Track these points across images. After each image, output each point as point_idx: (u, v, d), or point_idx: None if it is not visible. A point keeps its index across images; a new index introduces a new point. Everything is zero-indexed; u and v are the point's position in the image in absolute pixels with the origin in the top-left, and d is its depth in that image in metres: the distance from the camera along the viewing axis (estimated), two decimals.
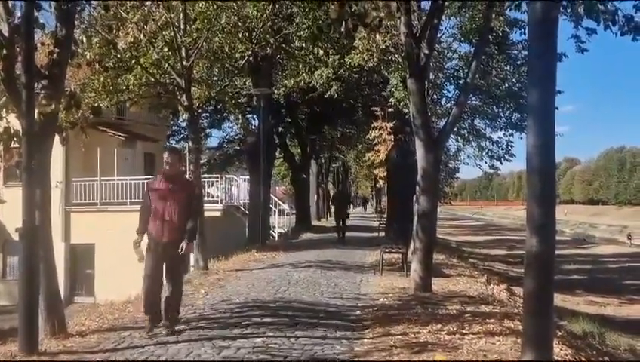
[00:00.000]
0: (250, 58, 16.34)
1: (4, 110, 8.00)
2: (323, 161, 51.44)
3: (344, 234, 25.23)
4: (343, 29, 7.58)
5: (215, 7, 14.29)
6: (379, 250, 16.64)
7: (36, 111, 7.62)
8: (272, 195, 29.77)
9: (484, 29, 12.26)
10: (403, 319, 8.97)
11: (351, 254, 19.35)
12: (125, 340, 7.72)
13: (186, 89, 15.09)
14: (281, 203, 33.34)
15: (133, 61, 13.74)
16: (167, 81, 15.59)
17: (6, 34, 7.44)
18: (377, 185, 46.52)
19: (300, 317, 9.05)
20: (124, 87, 14.84)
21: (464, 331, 8.16)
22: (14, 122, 7.86)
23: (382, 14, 11.15)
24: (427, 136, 11.10)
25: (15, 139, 8.12)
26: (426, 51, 10.95)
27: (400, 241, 16.57)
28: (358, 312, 9.69)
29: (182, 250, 7.85)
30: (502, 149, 20.20)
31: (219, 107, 27.33)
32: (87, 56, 10.08)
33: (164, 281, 8.16)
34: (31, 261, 7.28)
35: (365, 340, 7.73)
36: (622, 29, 9.78)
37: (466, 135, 19.28)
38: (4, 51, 7.47)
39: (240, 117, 25.69)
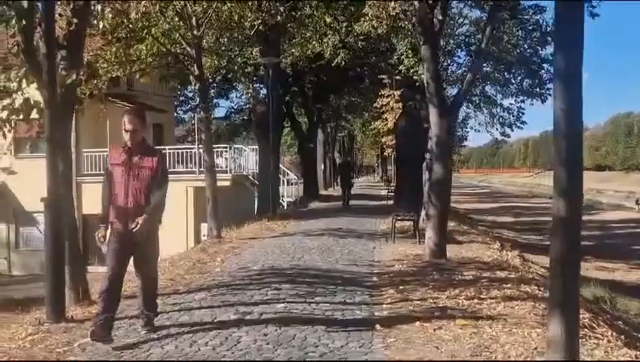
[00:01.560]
0: (260, 27, 16.29)
1: (24, 81, 8.05)
2: (329, 130, 51.38)
3: (348, 200, 27.62)
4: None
5: None
6: (389, 218, 16.76)
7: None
8: (280, 165, 29.85)
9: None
10: (420, 284, 9.11)
11: (362, 222, 19.49)
12: None
13: (196, 58, 15.14)
14: (289, 172, 33.49)
15: (144, 31, 13.75)
16: (178, 50, 15.62)
17: (25, 5, 7.48)
18: (384, 154, 46.50)
19: (318, 283, 9.19)
20: (136, 58, 14.89)
21: (482, 296, 8.29)
22: (32, 93, 7.93)
23: None
24: (441, 103, 11.15)
25: (35, 110, 8.21)
26: (440, 17, 10.95)
27: (411, 209, 16.69)
28: (374, 278, 9.83)
29: (136, 225, 6.15)
30: (512, 116, 20.20)
31: (228, 76, 27.25)
32: (101, 26, 10.10)
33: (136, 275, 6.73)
34: (56, 230, 7.42)
35: (384, 305, 7.86)
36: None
37: (477, 102, 19.24)
38: (23, 22, 7.51)
39: (250, 85, 25.65)
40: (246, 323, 6.85)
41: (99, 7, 9.11)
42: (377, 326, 6.74)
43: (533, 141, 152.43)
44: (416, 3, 10.72)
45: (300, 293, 8.38)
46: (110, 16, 10.05)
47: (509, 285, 9.02)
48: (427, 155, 17.95)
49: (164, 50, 15.28)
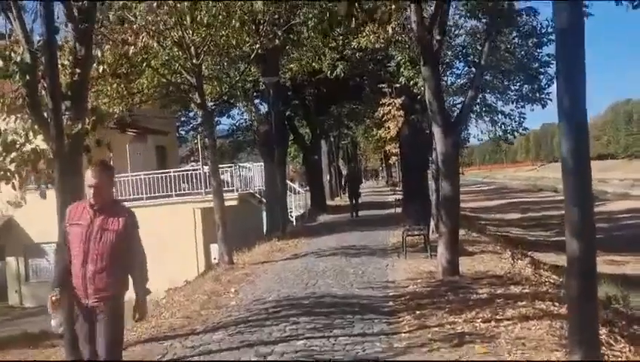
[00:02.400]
0: (259, 50, 16.36)
1: (30, 133, 8.09)
2: (332, 138, 51.39)
3: (357, 211, 28.23)
4: (353, 25, 7.61)
5: (222, 5, 14.31)
6: (399, 230, 16.79)
7: None
8: (287, 180, 29.92)
9: (492, 12, 12.28)
10: (436, 308, 9.10)
11: (372, 236, 19.48)
12: (168, 351, 7.87)
13: (197, 86, 15.21)
14: (294, 185, 33.55)
15: (144, 64, 13.81)
16: (179, 80, 15.68)
17: (28, 60, 7.51)
18: (389, 161, 46.53)
19: (335, 313, 9.18)
20: (137, 91, 14.96)
21: (498, 317, 8.28)
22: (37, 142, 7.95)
23: (392, 7, 11.20)
24: (444, 121, 11.15)
25: (42, 159, 8.24)
26: (438, 37, 10.96)
27: (420, 220, 16.69)
28: (390, 303, 9.82)
29: (136, 315, 5.47)
30: (514, 122, 20.22)
31: (230, 101, 27.40)
32: (101, 70, 10.17)
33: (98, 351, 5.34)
34: None
35: (403, 334, 7.84)
36: (633, 2, 9.68)
37: (478, 110, 19.27)
38: (27, 77, 7.56)
39: (249, 105, 25.75)
40: None
41: (99, 52, 9.17)
42: (399, 359, 6.73)
43: (535, 134, 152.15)
44: (414, 25, 10.72)
45: (317, 327, 8.37)
46: (110, 59, 10.14)
47: (524, 302, 9.00)
48: (432, 165, 18.04)
49: (164, 80, 15.34)
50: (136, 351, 8.12)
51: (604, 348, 7.09)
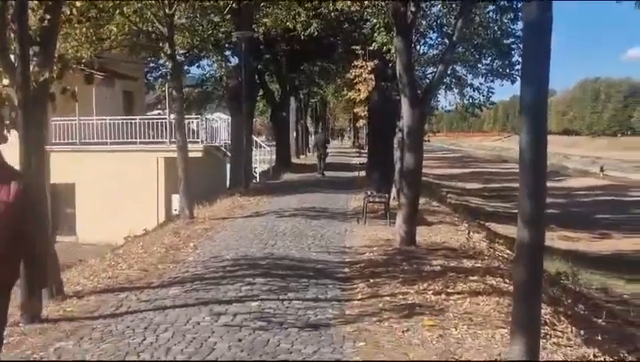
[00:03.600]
0: (234, 5, 16.20)
1: None
2: (302, 96, 51.22)
3: (324, 170, 30.68)
4: None
5: None
6: (361, 194, 16.99)
7: None
8: (253, 137, 29.84)
9: None
10: (390, 277, 9.33)
11: (334, 199, 19.69)
12: (123, 304, 7.96)
13: (168, 37, 15.05)
14: (260, 140, 33.53)
15: (116, 11, 13.60)
16: (150, 29, 15.48)
17: None
18: (357, 123, 46.60)
19: (291, 276, 9.35)
20: (106, 37, 14.75)
21: (449, 290, 8.53)
22: None
23: None
24: (413, 94, 11.26)
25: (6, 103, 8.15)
26: (413, 9, 11.00)
27: (382, 187, 16.90)
28: (346, 269, 10.02)
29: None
30: (482, 96, 20.43)
31: (201, 54, 27.11)
32: (68, 13, 10.00)
33: None
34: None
35: (355, 302, 8.05)
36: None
37: (448, 82, 19.39)
38: None
39: (220, 57, 25.51)
40: (220, 326, 6.98)
41: None
42: (348, 329, 6.93)
43: (503, 105, 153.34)
44: None
45: (273, 289, 8.53)
46: (79, 4, 9.98)
47: (475, 277, 9.27)
48: (398, 133, 18.16)
49: (135, 28, 15.14)
50: (90, 300, 8.20)
51: (547, 327, 7.39)
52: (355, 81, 24.25)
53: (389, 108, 21.85)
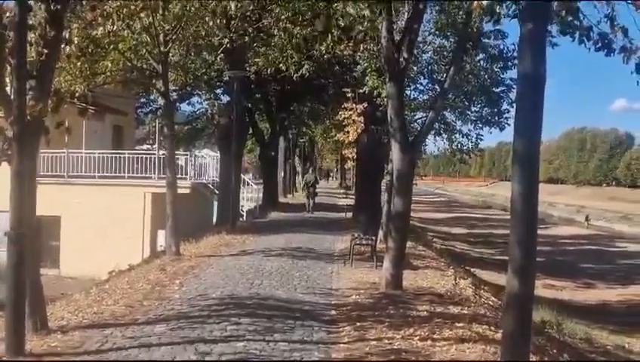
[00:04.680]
0: (228, 45, 16.40)
1: None
2: (291, 136, 51.55)
3: (313, 210, 32.17)
4: (329, 41, 7.77)
5: None
6: (347, 236, 17.02)
7: None
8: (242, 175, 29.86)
9: (461, 36, 12.56)
10: (376, 321, 9.31)
11: (320, 240, 19.69)
12: (108, 340, 7.90)
13: (162, 74, 15.18)
14: (247, 177, 33.64)
15: (111, 47, 13.73)
16: (144, 66, 15.62)
17: None
18: (345, 166, 46.87)
19: (277, 316, 9.32)
20: (101, 72, 14.85)
21: (435, 336, 8.52)
22: None
23: (366, 26, 11.40)
24: (404, 139, 11.38)
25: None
26: (406, 55, 11.18)
27: (369, 229, 16.94)
28: (332, 312, 9.99)
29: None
30: (471, 142, 20.71)
31: (194, 92, 27.32)
32: (67, 50, 10.10)
33: None
34: (19, 261, 7.36)
35: (341, 345, 8.04)
36: (596, 45, 10.04)
37: (437, 128, 19.65)
38: None
39: (211, 96, 25.72)
40: None
41: (66, 34, 9.13)
42: None
43: (490, 151, 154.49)
44: (383, 42, 10.93)
45: (258, 329, 8.49)
46: (78, 40, 10.09)
47: (461, 324, 9.26)
48: (387, 176, 18.30)
49: (129, 64, 15.28)
50: (75, 335, 8.13)
51: None
52: (344, 123, 24.47)
53: (377, 151, 22.09)
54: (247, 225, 24.84)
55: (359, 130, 23.69)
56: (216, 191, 26.56)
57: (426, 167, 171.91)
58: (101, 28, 12.74)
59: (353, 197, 35.53)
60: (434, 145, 22.24)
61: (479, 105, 19.86)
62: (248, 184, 33.18)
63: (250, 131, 36.60)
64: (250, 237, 19.50)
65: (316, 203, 34.41)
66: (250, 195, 33.17)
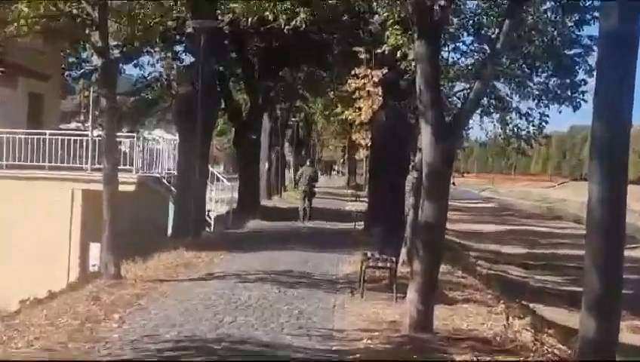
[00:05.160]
0: None
1: None
2: (279, 113, 51.41)
3: (310, 216, 32.76)
4: None
5: None
6: (357, 256, 17.03)
7: None
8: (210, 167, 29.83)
9: None
10: None
11: (318, 260, 19.68)
12: None
13: (99, 23, 15.12)
14: (217, 171, 33.55)
15: None
16: (74, 11, 15.57)
17: None
18: (355, 156, 46.96)
19: None
20: (14, 20, 14.78)
21: None
22: None
23: None
24: (439, 120, 11.32)
25: None
26: (443, 2, 11.14)
27: (387, 245, 16.89)
28: None
29: None
30: (533, 126, 20.60)
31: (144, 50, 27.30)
32: None
33: None
34: None
35: None
36: None
37: (485, 105, 19.58)
38: None
39: (167, 55, 25.71)
40: None
41: None
42: None
43: (558, 138, 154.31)
44: None
45: None
46: None
47: None
48: (413, 172, 18.28)
49: (53, 9, 15.23)
50: None
51: None
52: (354, 96, 24.48)
53: (400, 136, 22.05)
54: (215, 237, 24.84)
55: (375, 107, 23.73)
56: (173, 189, 26.54)
57: (469, 159, 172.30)
58: None
59: (365, 200, 35.55)
60: (480, 128, 22.14)
61: (544, 75, 19.80)
62: (218, 180, 33.07)
63: (223, 105, 36.57)
64: (220, 255, 19.51)
65: (313, 207, 34.46)
66: (221, 196, 33.16)
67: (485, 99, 18.61)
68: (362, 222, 28.63)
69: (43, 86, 32.00)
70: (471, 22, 18.88)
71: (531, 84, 20.01)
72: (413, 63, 14.90)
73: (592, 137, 5.04)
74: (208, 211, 28.79)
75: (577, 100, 19.29)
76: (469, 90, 12.77)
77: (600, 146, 4.94)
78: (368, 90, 23.63)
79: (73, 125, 35.87)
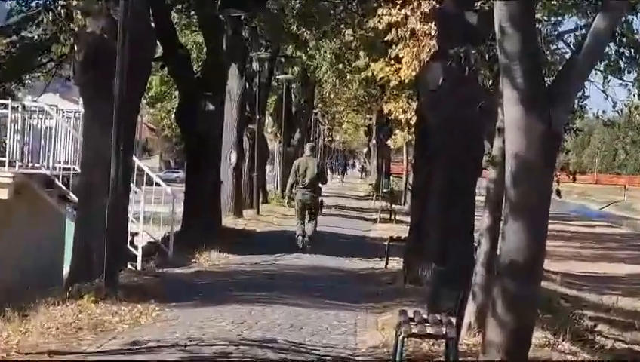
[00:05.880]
0: None
1: None
2: (257, 66, 51.21)
3: (310, 239, 33.91)
4: None
5: None
6: (388, 313, 17.06)
7: None
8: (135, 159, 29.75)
9: None
10: None
11: (323, 321, 19.62)
12: None
13: None
14: (147, 170, 33.32)
15: None
16: None
17: None
18: (387, 140, 47.31)
19: None
20: None
21: None
22: None
23: None
24: (533, 81, 11.32)
25: None
26: None
27: (442, 296, 16.92)
28: None
29: None
30: None
31: None
32: None
33: None
34: None
35: None
36: None
37: (613, 56, 19.61)
38: None
39: None
40: None
41: None
42: None
43: None
44: None
45: None
46: None
47: None
48: (491, 172, 18.25)
49: None
50: None
51: None
52: (388, 39, 24.55)
53: (468, 110, 22.01)
54: (145, 280, 24.75)
55: (425, 57, 23.77)
56: (74, 197, 26.54)
57: (584, 151, 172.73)
58: None
59: (405, 219, 35.65)
60: (605, 97, 22.12)
61: None
62: (151, 182, 32.87)
63: (160, 52, 36.60)
64: (153, 313, 19.41)
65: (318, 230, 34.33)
66: (155, 209, 33.02)
67: (612, 45, 18.58)
68: (402, 260, 28.55)
69: None
70: None
71: None
72: None
73: None
74: (133, 236, 28.71)
75: None
76: (585, 30, 12.73)
77: None
78: (412, 29, 23.69)
79: None
